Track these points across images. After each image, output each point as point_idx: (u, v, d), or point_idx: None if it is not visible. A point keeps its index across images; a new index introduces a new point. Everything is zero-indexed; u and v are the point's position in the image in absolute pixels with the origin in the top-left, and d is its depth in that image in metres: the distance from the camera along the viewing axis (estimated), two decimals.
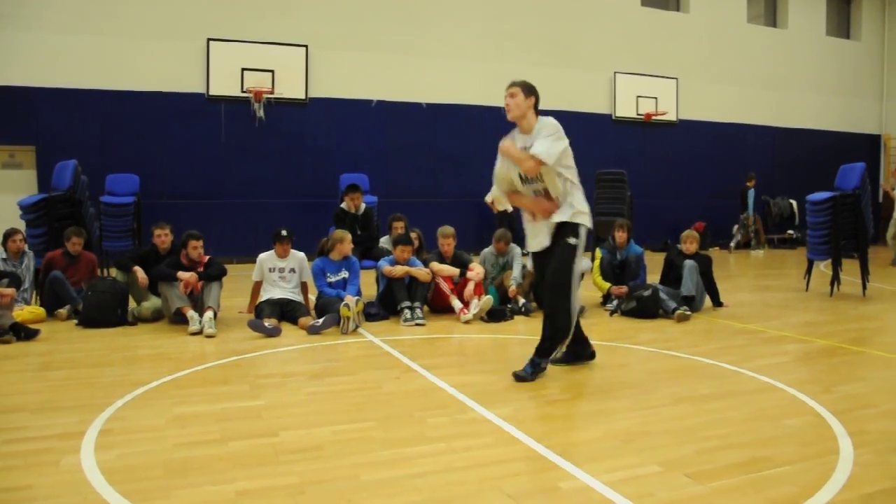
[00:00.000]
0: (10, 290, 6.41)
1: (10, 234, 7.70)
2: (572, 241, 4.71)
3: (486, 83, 15.78)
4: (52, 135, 12.60)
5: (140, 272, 7.17)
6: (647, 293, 7.38)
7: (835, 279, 9.07)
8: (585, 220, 4.85)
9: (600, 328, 6.93)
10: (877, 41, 21.03)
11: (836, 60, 20.31)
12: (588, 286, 8.13)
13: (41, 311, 7.21)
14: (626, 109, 17.32)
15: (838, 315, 7.73)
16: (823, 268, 10.52)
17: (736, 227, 17.35)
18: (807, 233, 9.77)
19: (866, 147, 20.40)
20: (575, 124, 16.73)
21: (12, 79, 12.48)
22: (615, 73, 17.18)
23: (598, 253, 8.19)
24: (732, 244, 17.16)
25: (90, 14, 12.94)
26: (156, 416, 3.98)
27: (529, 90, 5.26)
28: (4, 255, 7.60)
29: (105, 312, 6.89)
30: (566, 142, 4.97)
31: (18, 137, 12.71)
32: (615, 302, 7.67)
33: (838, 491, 2.93)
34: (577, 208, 4.85)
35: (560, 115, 14.93)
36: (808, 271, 9.66)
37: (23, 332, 6.18)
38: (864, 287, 9.05)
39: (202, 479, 3.09)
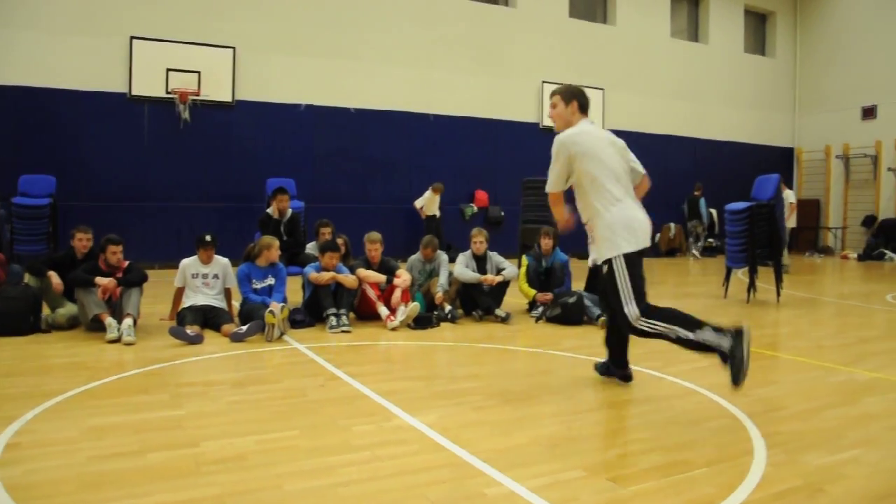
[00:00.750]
0: None
1: None
2: (605, 268, 4.37)
3: (415, 89, 15.84)
4: None
5: (55, 277, 6.89)
6: (571, 300, 7.50)
7: (751, 286, 9.40)
8: (610, 250, 4.35)
9: (526, 334, 7.01)
10: (790, 58, 22.00)
11: (753, 76, 21.18)
12: (514, 293, 8.22)
13: None
14: None
15: (754, 321, 8.00)
16: (741, 275, 10.89)
17: (691, 237, 18.00)
18: (725, 241, 10.10)
19: (780, 159, 21.29)
20: (503, 132, 17.08)
21: None
22: (542, 82, 17.45)
23: (525, 260, 8.29)
24: (696, 251, 17.78)
25: (3, 5, 12.41)
26: (69, 429, 3.82)
27: (570, 95, 4.69)
28: None
29: (16, 319, 6.57)
30: (560, 161, 4.59)
31: None
32: (540, 308, 7.77)
33: (752, 490, 3.04)
34: (599, 243, 4.45)
35: (488, 123, 15.04)
36: (727, 278, 9.99)
37: None
38: (779, 294, 9.42)
39: (118, 494, 2.98)
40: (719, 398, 4.53)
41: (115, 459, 3.37)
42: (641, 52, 18.98)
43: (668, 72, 19.44)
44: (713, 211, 18.87)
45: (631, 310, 4.20)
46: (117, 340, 6.22)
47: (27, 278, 7.05)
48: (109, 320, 6.39)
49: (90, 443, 3.61)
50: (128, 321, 6.35)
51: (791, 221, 14.31)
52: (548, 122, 17.31)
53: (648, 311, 4.21)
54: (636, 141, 19.52)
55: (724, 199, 12.36)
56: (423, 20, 16.01)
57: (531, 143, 17.09)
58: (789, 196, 14.01)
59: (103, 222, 10.20)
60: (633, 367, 5.11)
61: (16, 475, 3.15)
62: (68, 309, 6.94)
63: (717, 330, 3.94)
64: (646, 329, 4.14)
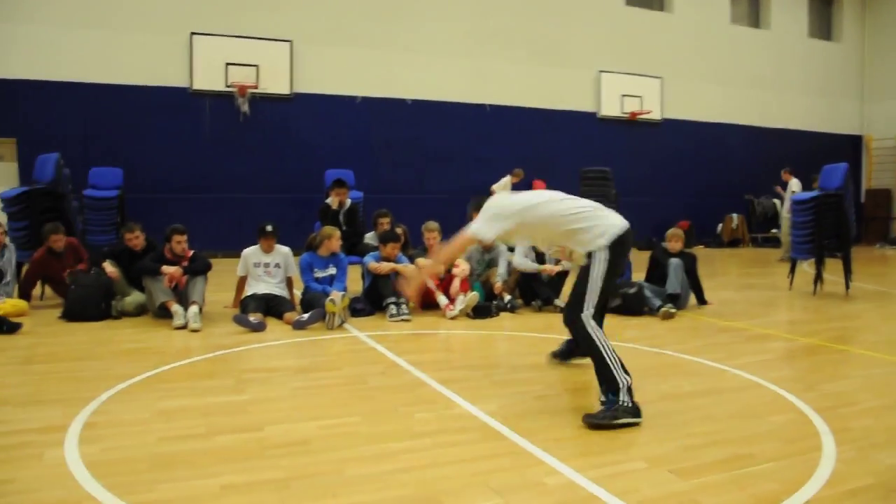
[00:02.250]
0: None
1: None
2: (585, 261, 4.21)
3: (471, 80, 15.83)
4: (33, 127, 12.49)
5: (109, 266, 7.13)
6: (632, 291, 7.41)
7: (818, 278, 9.15)
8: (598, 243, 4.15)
9: None
10: (857, 43, 21.27)
11: (818, 61, 20.54)
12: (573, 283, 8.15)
13: (24, 304, 7.14)
14: (610, 108, 17.42)
15: (821, 314, 7.80)
16: (807, 267, 10.61)
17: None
18: (791, 232, 9.84)
19: (848, 147, 20.62)
20: (560, 122, 16.93)
21: None
22: (600, 71, 17.26)
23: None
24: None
25: (73, 6, 12.83)
26: (140, 410, 3.95)
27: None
28: None
29: (89, 306, 6.84)
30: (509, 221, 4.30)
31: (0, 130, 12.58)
32: None
33: (821, 488, 2.95)
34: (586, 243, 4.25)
35: (545, 114, 14.95)
36: (792, 270, 9.75)
37: (5, 326, 6.11)
38: (847, 286, 9.13)
39: (187, 474, 3.07)
40: (785, 392, 4.42)
41: (184, 441, 3.47)
42: (700, 40, 18.58)
43: (729, 59, 18.99)
44: (777, 201, 18.41)
45: (588, 305, 4.06)
46: (184, 327, 6.39)
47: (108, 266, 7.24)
48: (176, 307, 6.56)
49: (160, 424, 3.72)
50: (193, 308, 6.51)
51: None
52: (605, 111, 17.21)
53: (598, 321, 4.12)
54: (694, 130, 19.26)
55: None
56: (479, 10, 15.97)
57: (588, 132, 16.96)
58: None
59: (168, 213, 10.48)
60: (693, 358, 5.04)
61: (94, 453, 3.28)
62: (136, 297, 7.16)
63: (630, 390, 3.85)
64: (587, 329, 4.01)
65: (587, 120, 17.17)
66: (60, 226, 7.83)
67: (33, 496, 2.84)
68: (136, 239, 7.37)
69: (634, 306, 7.35)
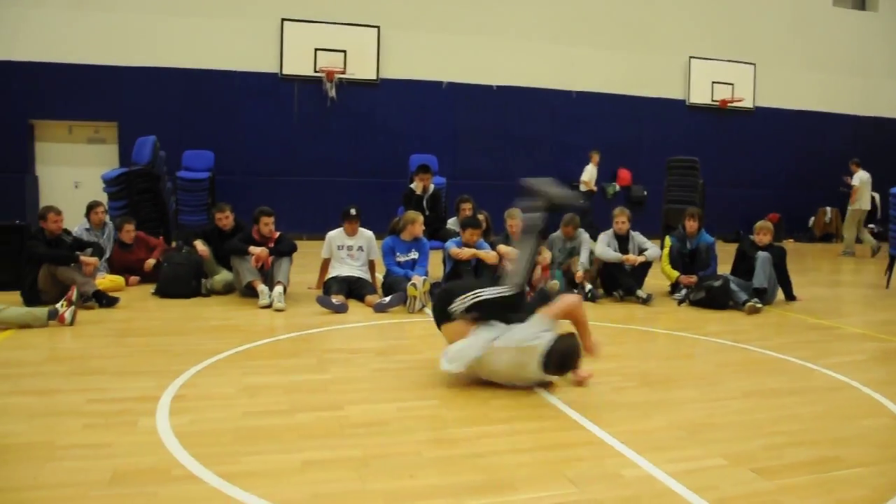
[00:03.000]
0: (94, 259, 6.69)
1: (93, 205, 7.99)
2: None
3: (558, 66, 15.65)
4: (133, 111, 13.01)
5: (200, 245, 7.39)
6: (717, 283, 7.23)
7: None
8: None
9: (667, 317, 6.82)
10: None
11: None
12: (656, 274, 8.02)
13: (120, 279, 7.48)
14: (700, 95, 16.92)
15: None
16: None
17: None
18: (889, 227, 9.39)
19: None
20: (647, 109, 16.56)
21: (98, 58, 12.93)
22: (690, 57, 16.77)
23: (668, 241, 8.04)
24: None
25: None
26: (227, 385, 4.10)
27: None
28: (88, 226, 7.89)
29: (180, 284, 7.12)
30: None
31: (103, 114, 13.21)
32: (684, 291, 7.54)
33: None
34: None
35: (632, 100, 14.64)
36: (890, 268, 9.29)
37: (104, 300, 6.44)
38: None
39: (270, 448, 3.18)
40: (879, 395, 4.22)
41: (267, 416, 3.59)
42: (799, 23, 17.77)
43: (830, 44, 18.10)
44: (875, 195, 17.56)
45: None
46: (269, 306, 6.57)
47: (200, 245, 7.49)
48: (262, 287, 6.75)
49: (245, 399, 3.85)
50: (278, 289, 6.69)
51: (859, 203, 13.47)
52: (694, 99, 16.74)
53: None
54: (789, 119, 18.41)
55: (889, 181, 11.49)
56: None
57: (676, 120, 16.53)
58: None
59: (255, 195, 10.76)
60: (779, 355, 4.89)
61: (183, 423, 3.43)
62: (224, 276, 7.40)
63: None
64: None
65: (675, 107, 16.74)
66: (131, 219, 8.14)
67: (128, 460, 2.99)
68: (227, 219, 7.61)
69: (719, 299, 7.16)
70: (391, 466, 3.01)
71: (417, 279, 6.66)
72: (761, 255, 7.38)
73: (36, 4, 12.67)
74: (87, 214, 7.95)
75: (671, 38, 16.68)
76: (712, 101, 16.97)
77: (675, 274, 7.77)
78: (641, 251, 7.66)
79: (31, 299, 6.35)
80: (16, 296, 6.50)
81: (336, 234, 7.46)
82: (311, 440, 3.28)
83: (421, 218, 7.45)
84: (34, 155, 13.24)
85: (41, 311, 5.61)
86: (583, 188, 14.66)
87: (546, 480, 2.90)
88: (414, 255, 7.36)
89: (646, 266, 7.68)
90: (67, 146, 13.40)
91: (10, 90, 12.68)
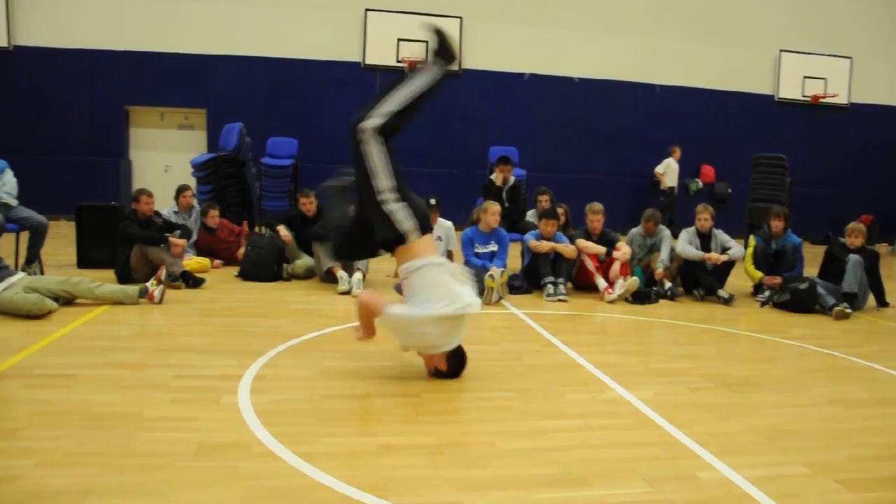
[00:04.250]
0: (182, 241, 6.92)
1: (181, 189, 8.27)
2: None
3: (641, 58, 15.34)
4: (221, 99, 13.40)
5: (283, 230, 7.57)
6: (803, 286, 6.98)
7: None
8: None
9: (749, 318, 6.64)
10: None
11: None
12: (738, 274, 7.80)
13: (206, 261, 7.73)
14: (790, 90, 16.30)
15: None
16: None
17: None
18: None
19: None
20: (734, 104, 16.06)
21: (189, 47, 13.38)
22: (780, 51, 16.17)
23: (752, 240, 7.80)
24: None
25: None
26: (306, 367, 4.19)
27: None
28: (176, 209, 8.17)
29: (262, 267, 7.31)
30: None
31: (192, 101, 13.66)
32: (767, 293, 7.31)
33: None
34: None
35: (718, 94, 14.22)
36: None
37: (191, 280, 6.67)
38: None
39: (347, 430, 3.24)
40: None
41: (344, 399, 3.66)
42: None
43: None
44: None
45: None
46: (348, 292, 6.68)
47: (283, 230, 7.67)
48: (341, 273, 6.87)
49: (323, 382, 3.93)
50: (357, 275, 6.80)
51: None
52: (784, 94, 16.15)
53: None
54: (887, 116, 17.44)
55: None
56: None
57: (764, 116, 15.98)
58: None
59: None
60: (868, 363, 4.68)
61: (263, 402, 3.52)
62: (305, 261, 7.56)
63: None
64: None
65: (763, 103, 16.18)
66: (216, 204, 8.38)
67: (212, 435, 3.10)
68: (311, 205, 7.76)
69: (805, 302, 6.92)
70: (465, 455, 3.02)
71: (495, 271, 6.66)
72: (852, 257, 7.09)
73: None
74: (176, 197, 8.24)
75: (761, 30, 16.10)
76: (803, 96, 16.33)
77: (759, 274, 7.53)
78: (724, 250, 7.46)
79: (123, 277, 6.65)
80: (110, 273, 6.85)
81: None
82: (387, 425, 3.33)
83: (495, 207, 7.40)
84: (129, 140, 13.80)
85: (133, 289, 5.86)
86: (665, 182, 14.43)
87: (619, 478, 2.86)
88: (493, 246, 7.34)
89: (728, 265, 7.48)
90: (159, 132, 13.92)
91: (110, 78, 13.24)
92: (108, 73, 13.25)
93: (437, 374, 4.07)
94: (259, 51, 13.61)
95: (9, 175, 6.92)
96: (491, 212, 7.33)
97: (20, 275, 5.60)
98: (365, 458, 2.94)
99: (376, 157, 3.95)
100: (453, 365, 4.05)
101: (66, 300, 5.63)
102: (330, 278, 7.03)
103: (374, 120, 3.97)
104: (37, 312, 5.16)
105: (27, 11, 12.99)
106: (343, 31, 14.04)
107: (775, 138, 15.31)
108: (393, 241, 3.99)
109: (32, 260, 6.93)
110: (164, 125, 13.95)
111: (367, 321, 4.13)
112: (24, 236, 7.04)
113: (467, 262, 7.27)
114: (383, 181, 3.94)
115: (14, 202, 6.85)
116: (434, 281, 3.92)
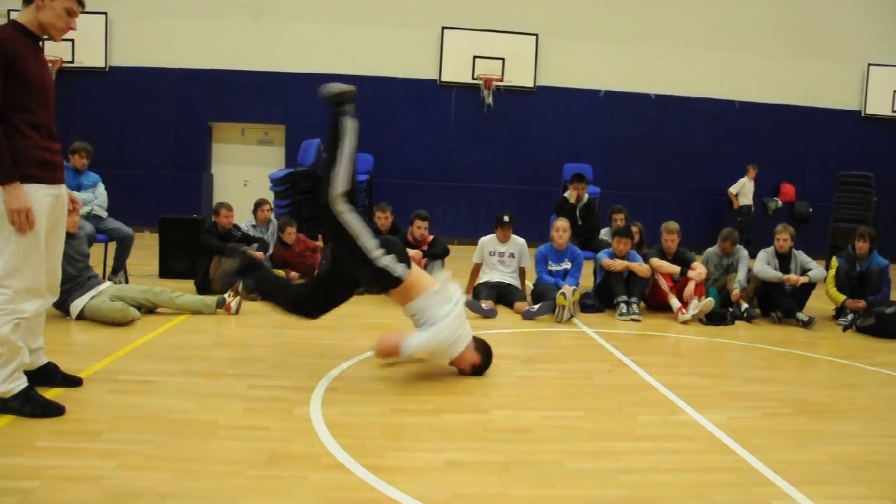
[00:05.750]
0: (260, 254, 7.11)
1: (260, 203, 8.49)
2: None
3: (719, 75, 15.03)
4: (300, 115, 13.72)
5: None
6: (890, 310, 6.69)
7: None
8: None
9: (830, 343, 6.39)
10: None
11: None
12: (819, 297, 7.54)
13: (282, 273, 7.89)
14: (879, 106, 15.66)
15: None
16: None
17: None
18: None
19: None
20: (816, 120, 15.55)
21: (269, 65, 13.78)
22: (869, 64, 15.60)
23: (835, 262, 7.52)
24: None
25: (337, 4, 13.92)
26: (376, 382, 4.25)
27: None
28: (254, 223, 8.38)
29: None
30: None
31: (272, 117, 14.03)
32: (850, 316, 7.03)
33: None
34: None
35: (800, 111, 13.80)
36: None
37: None
38: None
39: (416, 445, 3.26)
40: None
41: (413, 415, 3.68)
42: None
43: None
44: None
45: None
46: None
47: None
48: None
49: (393, 397, 3.97)
50: None
51: None
52: (872, 109, 15.55)
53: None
54: None
55: None
56: (730, 0, 15.10)
57: (849, 133, 15.40)
58: None
59: (410, 199, 11.08)
60: None
61: (334, 414, 3.59)
62: None
63: None
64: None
65: (849, 119, 15.60)
66: (293, 221, 8.51)
67: (283, 444, 3.17)
68: (386, 220, 7.86)
69: (891, 328, 6.61)
70: (533, 474, 3.01)
71: (567, 288, 6.60)
72: None
73: (215, 15, 13.69)
74: (255, 211, 8.45)
75: (848, 44, 15.56)
76: (893, 111, 15.71)
77: (842, 297, 7.25)
78: (804, 271, 7.22)
79: (203, 288, 6.87)
80: (190, 284, 7.08)
81: (488, 240, 7.53)
82: (455, 441, 3.34)
83: (559, 223, 7.31)
84: (211, 155, 14.27)
85: (211, 300, 6.06)
86: (739, 202, 14.14)
87: (691, 503, 2.80)
88: (566, 264, 7.30)
89: (808, 287, 7.23)
90: (240, 147, 14.35)
91: (195, 95, 13.75)
92: (194, 91, 13.77)
93: (473, 371, 4.47)
94: (336, 68, 13.87)
95: (101, 188, 7.32)
96: (555, 227, 7.30)
97: (107, 284, 5.87)
98: (433, 473, 2.96)
99: (353, 222, 4.30)
100: (484, 351, 4.50)
101: (149, 309, 5.87)
102: None
103: (337, 190, 4.41)
104: (121, 320, 5.40)
105: (123, 34, 13.62)
106: (420, 49, 14.23)
107: (861, 155, 14.75)
108: (392, 286, 4.36)
109: (118, 269, 7.24)
110: (244, 141, 14.38)
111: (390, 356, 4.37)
112: (112, 247, 7.35)
113: (539, 279, 7.25)
114: (368, 241, 4.27)
115: (104, 214, 7.20)
116: (432, 304, 4.35)
